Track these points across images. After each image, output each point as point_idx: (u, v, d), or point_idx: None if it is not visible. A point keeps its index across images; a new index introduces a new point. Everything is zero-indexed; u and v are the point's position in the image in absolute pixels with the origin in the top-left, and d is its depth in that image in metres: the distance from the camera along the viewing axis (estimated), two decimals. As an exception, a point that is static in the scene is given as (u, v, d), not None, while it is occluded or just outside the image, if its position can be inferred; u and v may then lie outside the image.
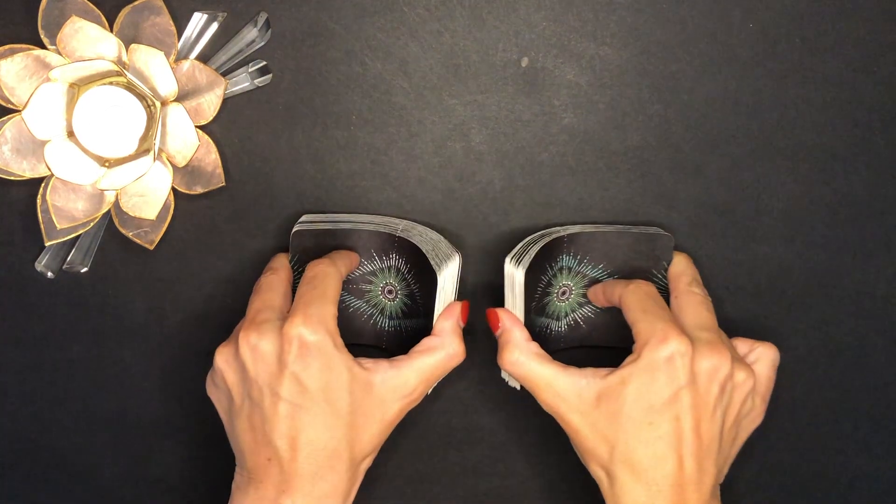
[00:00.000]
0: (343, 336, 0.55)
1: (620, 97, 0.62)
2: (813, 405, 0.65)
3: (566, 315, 0.63)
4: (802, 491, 0.67)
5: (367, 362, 0.55)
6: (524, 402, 0.62)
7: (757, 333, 0.64)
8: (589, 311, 0.63)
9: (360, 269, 0.61)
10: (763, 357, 0.57)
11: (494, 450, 0.66)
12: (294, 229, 0.60)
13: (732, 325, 0.64)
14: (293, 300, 0.56)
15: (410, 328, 0.61)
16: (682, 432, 0.53)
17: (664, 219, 0.63)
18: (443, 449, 0.66)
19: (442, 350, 0.57)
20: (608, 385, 0.54)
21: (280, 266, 0.60)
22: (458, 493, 0.66)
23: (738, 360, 0.55)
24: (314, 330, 0.53)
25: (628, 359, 0.54)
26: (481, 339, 0.64)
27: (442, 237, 0.62)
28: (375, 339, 0.63)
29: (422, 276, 0.60)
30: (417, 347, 0.57)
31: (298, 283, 0.57)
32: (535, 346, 0.57)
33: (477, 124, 0.62)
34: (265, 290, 0.58)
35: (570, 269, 0.61)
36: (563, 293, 0.62)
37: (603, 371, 0.55)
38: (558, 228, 0.62)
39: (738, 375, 0.55)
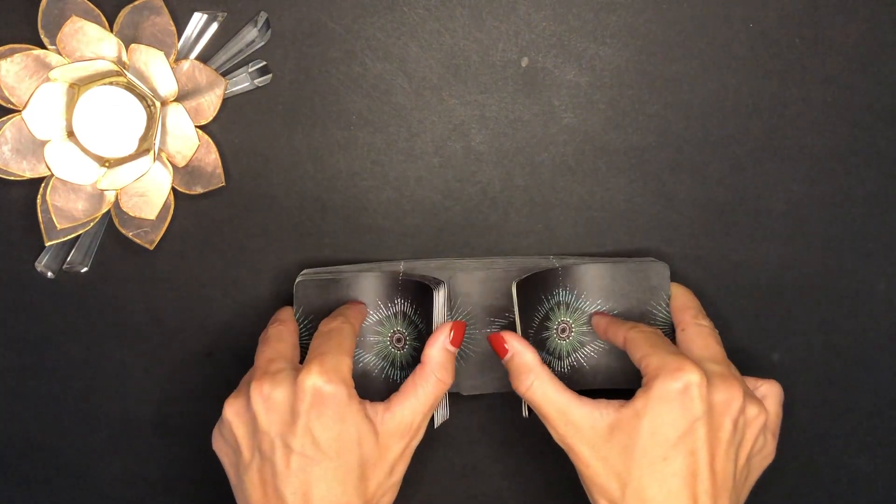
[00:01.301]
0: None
1: (620, 97, 0.62)
2: (813, 405, 0.65)
3: (568, 355, 0.61)
4: (802, 491, 0.66)
5: (368, 408, 0.54)
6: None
7: (757, 333, 0.64)
8: (592, 352, 0.61)
9: (367, 320, 0.60)
10: (770, 394, 0.56)
11: (494, 450, 0.66)
12: (297, 280, 0.60)
13: (732, 325, 0.64)
14: (302, 353, 0.56)
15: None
16: (698, 468, 0.51)
17: (664, 219, 0.63)
18: (442, 449, 0.66)
19: (430, 380, 0.55)
20: (622, 417, 0.52)
21: (287, 318, 0.59)
22: (457, 493, 0.66)
23: (750, 394, 0.54)
24: (330, 379, 0.52)
25: (640, 391, 0.52)
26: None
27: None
28: (388, 394, 0.59)
29: (430, 313, 0.59)
30: (408, 382, 0.55)
31: (305, 336, 0.58)
32: (548, 371, 0.55)
33: (477, 124, 0.62)
34: (275, 341, 0.56)
35: (567, 304, 0.60)
36: (563, 330, 0.61)
37: (616, 403, 0.53)
38: (552, 259, 0.61)
39: (750, 410, 0.53)
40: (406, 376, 0.57)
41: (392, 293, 0.59)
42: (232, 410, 0.54)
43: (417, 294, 0.59)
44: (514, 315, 0.58)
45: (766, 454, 0.56)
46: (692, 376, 0.51)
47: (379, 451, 0.54)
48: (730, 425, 0.52)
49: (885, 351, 0.65)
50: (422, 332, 0.60)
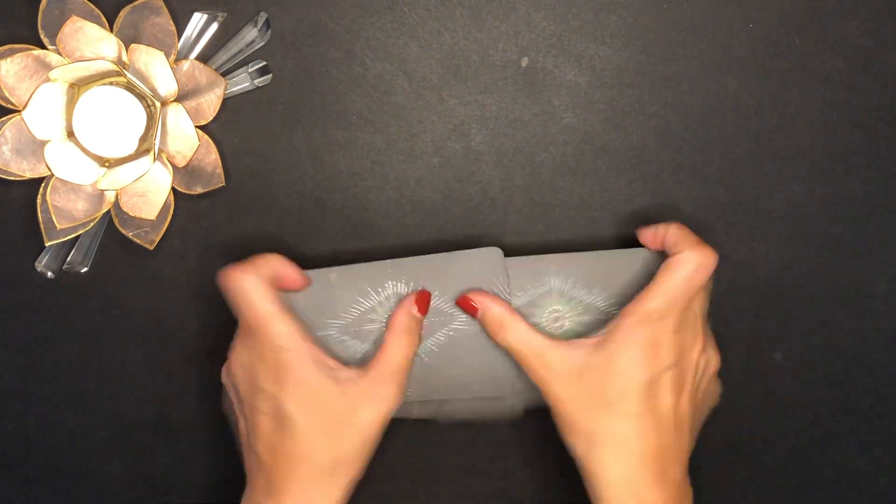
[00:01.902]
0: None
1: (620, 97, 0.62)
2: (813, 405, 0.65)
3: None
4: (802, 491, 0.67)
5: (341, 372, 0.55)
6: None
7: (757, 333, 0.64)
8: None
9: (356, 309, 0.58)
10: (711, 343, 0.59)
11: (494, 450, 0.66)
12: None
13: (732, 325, 0.64)
14: None
15: (427, 350, 0.59)
16: (665, 408, 0.54)
17: (664, 219, 0.63)
18: (443, 449, 0.66)
19: (396, 349, 0.56)
20: (594, 360, 0.54)
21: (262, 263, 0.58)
22: (458, 493, 0.66)
23: (711, 341, 0.57)
24: (284, 345, 0.54)
25: (613, 329, 0.55)
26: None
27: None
28: None
29: (431, 281, 0.58)
30: (377, 354, 0.56)
31: None
32: (521, 318, 0.56)
33: (477, 124, 0.62)
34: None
35: (561, 292, 0.59)
36: (556, 319, 0.59)
37: (590, 343, 0.55)
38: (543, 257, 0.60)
39: (711, 358, 0.57)
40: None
41: (381, 279, 0.58)
42: (223, 375, 0.58)
43: (412, 274, 0.58)
44: (503, 288, 0.58)
45: (715, 395, 0.60)
46: (666, 325, 0.54)
47: (347, 411, 0.54)
48: (692, 372, 0.56)
49: (885, 351, 0.65)
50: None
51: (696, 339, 0.56)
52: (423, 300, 0.58)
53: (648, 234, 0.59)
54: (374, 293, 0.58)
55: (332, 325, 0.58)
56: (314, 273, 0.58)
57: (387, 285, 0.58)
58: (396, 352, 0.56)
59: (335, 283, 0.58)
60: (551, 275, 0.59)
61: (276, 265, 0.56)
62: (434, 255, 0.59)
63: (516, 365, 0.57)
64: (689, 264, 0.55)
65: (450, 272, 0.58)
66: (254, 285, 0.55)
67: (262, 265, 0.56)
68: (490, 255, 0.58)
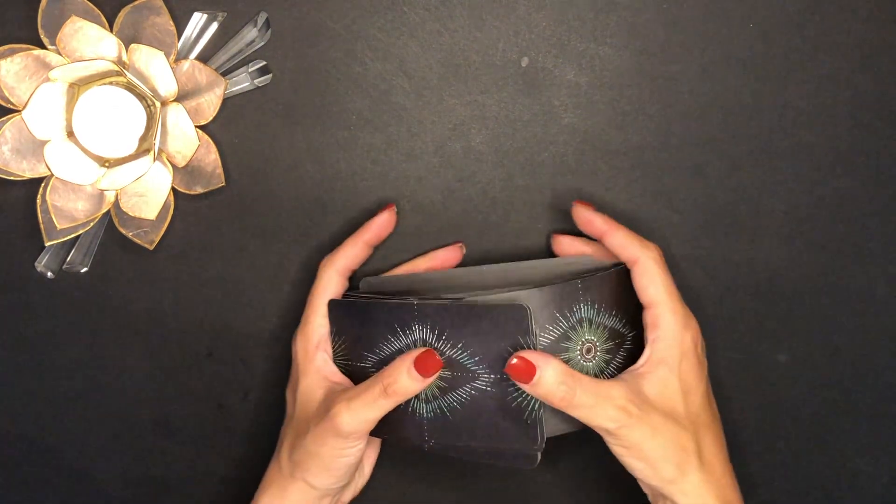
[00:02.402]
0: (387, 441, 0.60)
1: (620, 97, 0.62)
2: (813, 405, 0.65)
3: (595, 377, 0.55)
4: (802, 491, 0.66)
5: (333, 389, 0.57)
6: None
7: (757, 333, 0.64)
8: (616, 369, 0.56)
9: (388, 347, 0.56)
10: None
11: (494, 450, 0.66)
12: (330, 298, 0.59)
13: (733, 325, 0.64)
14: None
15: (449, 406, 0.55)
16: (714, 408, 0.57)
17: (664, 219, 0.63)
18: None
19: (371, 399, 0.54)
20: (641, 411, 0.53)
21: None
22: (458, 492, 0.66)
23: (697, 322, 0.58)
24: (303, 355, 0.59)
25: (648, 362, 0.55)
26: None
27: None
28: (417, 435, 0.56)
29: (455, 332, 0.54)
30: (360, 386, 0.55)
31: (340, 355, 0.59)
32: (562, 363, 0.53)
33: (477, 124, 0.62)
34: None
35: (590, 321, 0.55)
36: (589, 351, 0.55)
37: (637, 370, 0.55)
38: (571, 260, 0.59)
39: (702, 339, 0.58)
40: (433, 409, 0.55)
41: (408, 320, 0.55)
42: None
43: (436, 317, 0.55)
44: (532, 335, 0.53)
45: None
46: (692, 338, 0.56)
47: (319, 433, 0.56)
48: (704, 359, 0.57)
49: (885, 351, 0.65)
50: (451, 358, 0.55)
51: (698, 332, 0.57)
52: (426, 364, 0.54)
53: (569, 242, 0.60)
54: (402, 334, 0.55)
55: (367, 359, 0.57)
56: (351, 296, 0.59)
57: (414, 328, 0.55)
58: (370, 404, 0.54)
59: (370, 313, 0.57)
60: (580, 302, 0.55)
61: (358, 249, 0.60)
62: (460, 303, 0.54)
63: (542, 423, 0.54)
64: (659, 277, 0.56)
65: (478, 327, 0.54)
66: (328, 276, 0.59)
67: (350, 247, 0.60)
68: (517, 313, 0.53)
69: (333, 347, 0.59)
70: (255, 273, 0.63)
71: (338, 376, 0.58)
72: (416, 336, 0.55)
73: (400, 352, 0.56)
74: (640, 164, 0.62)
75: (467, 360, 0.54)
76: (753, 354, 0.65)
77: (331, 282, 0.59)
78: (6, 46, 0.59)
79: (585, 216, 0.58)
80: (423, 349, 0.54)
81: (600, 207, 0.63)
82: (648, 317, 0.56)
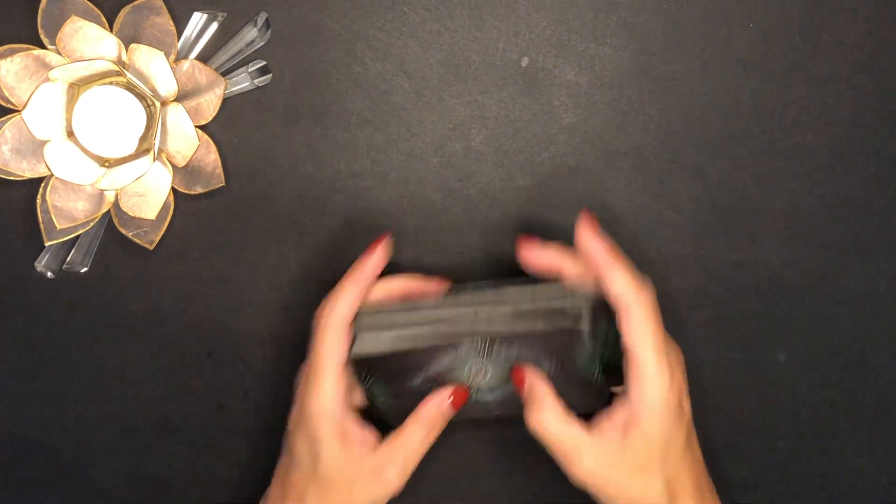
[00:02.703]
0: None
1: (620, 97, 0.62)
2: (813, 405, 0.65)
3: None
4: (802, 491, 0.67)
5: (357, 448, 0.56)
6: (524, 402, 0.62)
7: (757, 333, 0.64)
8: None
9: (439, 363, 0.57)
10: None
11: (494, 450, 0.66)
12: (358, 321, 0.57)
13: (733, 325, 0.64)
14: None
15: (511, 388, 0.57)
16: (694, 442, 0.56)
17: (664, 219, 0.63)
18: (443, 449, 0.66)
19: (413, 436, 0.56)
20: (627, 446, 0.54)
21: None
22: (458, 493, 0.66)
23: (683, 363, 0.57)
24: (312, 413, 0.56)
25: (628, 409, 0.54)
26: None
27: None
28: (484, 413, 0.58)
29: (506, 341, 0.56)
30: (395, 433, 0.56)
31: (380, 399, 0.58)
32: (561, 406, 0.55)
33: (477, 124, 0.62)
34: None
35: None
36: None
37: (616, 430, 0.54)
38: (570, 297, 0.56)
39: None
40: (496, 394, 0.57)
41: (452, 349, 0.56)
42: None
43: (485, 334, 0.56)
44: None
45: None
46: (676, 394, 0.54)
47: (347, 485, 0.56)
48: (687, 407, 0.56)
49: (885, 351, 0.65)
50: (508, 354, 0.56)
51: (684, 382, 0.55)
52: (460, 396, 0.57)
53: (539, 258, 0.57)
54: (452, 349, 0.56)
55: (415, 377, 0.57)
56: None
57: (463, 344, 0.56)
58: (412, 439, 0.56)
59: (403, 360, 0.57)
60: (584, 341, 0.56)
61: (377, 289, 0.58)
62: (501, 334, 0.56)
63: None
64: (650, 333, 0.53)
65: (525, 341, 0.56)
66: (332, 334, 0.55)
67: (349, 293, 0.56)
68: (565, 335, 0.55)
69: (365, 386, 0.58)
70: (255, 273, 0.63)
71: (364, 432, 0.56)
72: (466, 347, 0.56)
73: (452, 364, 0.56)
74: (640, 164, 0.62)
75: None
76: (753, 354, 0.65)
77: (335, 342, 0.55)
78: (6, 46, 0.59)
79: (589, 248, 0.54)
80: (453, 389, 0.56)
81: (600, 207, 0.63)
82: (632, 369, 0.53)
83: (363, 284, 0.56)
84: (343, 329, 0.55)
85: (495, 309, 0.56)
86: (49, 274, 0.63)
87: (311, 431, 0.55)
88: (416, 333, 0.56)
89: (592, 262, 0.54)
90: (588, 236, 0.54)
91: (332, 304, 0.56)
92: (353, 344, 0.56)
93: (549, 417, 0.54)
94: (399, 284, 0.58)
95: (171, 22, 0.59)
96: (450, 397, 0.56)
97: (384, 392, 0.58)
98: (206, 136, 0.61)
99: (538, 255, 0.56)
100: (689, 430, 0.55)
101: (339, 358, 0.55)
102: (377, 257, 0.57)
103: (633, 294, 0.53)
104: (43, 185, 0.60)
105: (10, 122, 0.59)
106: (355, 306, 0.56)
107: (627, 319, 0.53)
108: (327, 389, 0.55)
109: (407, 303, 0.57)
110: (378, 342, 0.56)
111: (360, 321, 0.57)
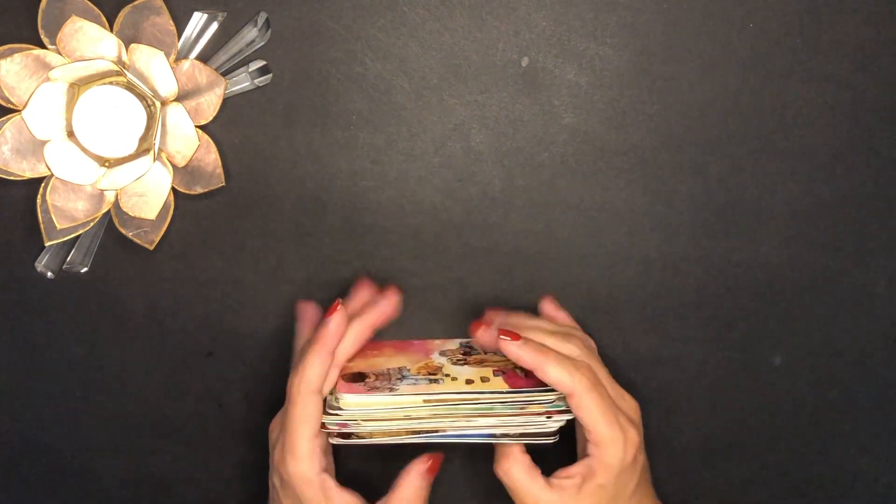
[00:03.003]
0: None
1: (620, 97, 0.62)
2: (813, 405, 0.65)
3: None
4: (802, 491, 0.67)
5: (341, 498, 0.58)
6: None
7: (757, 333, 0.64)
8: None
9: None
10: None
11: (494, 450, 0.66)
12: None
13: (733, 325, 0.64)
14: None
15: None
16: (644, 484, 0.60)
17: (664, 219, 0.63)
18: (442, 449, 0.66)
19: (408, 491, 0.59)
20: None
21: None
22: (458, 493, 0.66)
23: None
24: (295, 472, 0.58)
25: (588, 468, 0.58)
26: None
27: None
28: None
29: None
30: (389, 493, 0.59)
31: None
32: (527, 459, 0.58)
33: (477, 124, 0.62)
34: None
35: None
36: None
37: (574, 483, 0.58)
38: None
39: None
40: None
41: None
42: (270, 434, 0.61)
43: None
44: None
45: None
46: (631, 451, 0.58)
47: None
48: (642, 456, 0.60)
49: (885, 351, 0.65)
50: None
51: (638, 444, 0.58)
52: (436, 465, 0.60)
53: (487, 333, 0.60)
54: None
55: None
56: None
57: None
58: (407, 496, 0.59)
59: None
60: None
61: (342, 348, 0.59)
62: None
63: None
64: (594, 407, 0.57)
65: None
66: (306, 402, 0.57)
67: (317, 360, 0.57)
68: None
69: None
70: (255, 273, 0.63)
71: (343, 494, 0.58)
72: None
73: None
74: (640, 164, 0.62)
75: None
76: (753, 354, 0.65)
77: (309, 410, 0.57)
78: (6, 46, 0.59)
79: (513, 352, 0.57)
80: (429, 460, 0.60)
81: (600, 207, 0.63)
82: (590, 438, 0.57)
83: (328, 349, 0.58)
84: (316, 397, 0.57)
85: (475, 421, 0.58)
86: (49, 274, 0.63)
87: (298, 493, 0.58)
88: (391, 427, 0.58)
89: (525, 365, 0.57)
90: (510, 347, 0.57)
91: (302, 373, 0.57)
92: (325, 410, 0.58)
93: (515, 469, 0.58)
94: (362, 330, 0.59)
95: (171, 22, 0.59)
96: (426, 465, 0.60)
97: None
98: (206, 136, 0.61)
99: (488, 336, 0.60)
100: (641, 474, 0.59)
101: (314, 426, 0.57)
102: (336, 320, 0.58)
103: (568, 379, 0.56)
104: (43, 185, 0.60)
105: (10, 122, 0.59)
106: (325, 371, 0.57)
107: (572, 401, 0.57)
108: (305, 457, 0.57)
109: (384, 382, 0.59)
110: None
111: (327, 400, 0.58)
